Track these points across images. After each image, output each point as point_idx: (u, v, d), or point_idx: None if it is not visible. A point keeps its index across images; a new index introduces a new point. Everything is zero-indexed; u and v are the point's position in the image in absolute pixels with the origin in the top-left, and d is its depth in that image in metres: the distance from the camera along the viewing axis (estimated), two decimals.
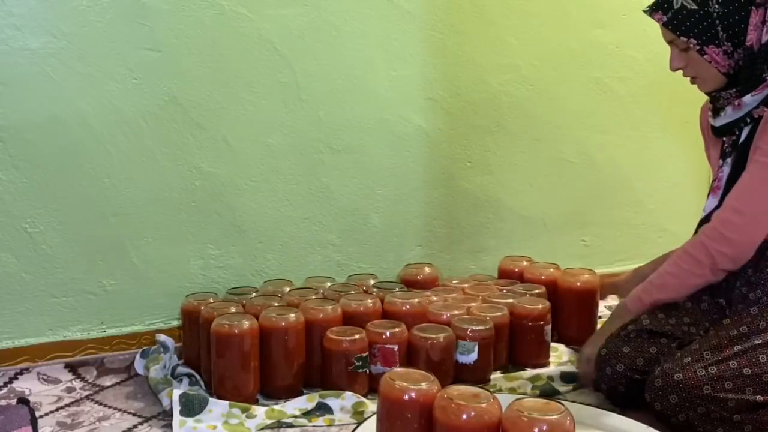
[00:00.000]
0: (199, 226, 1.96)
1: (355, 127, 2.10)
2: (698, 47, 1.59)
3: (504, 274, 2.20)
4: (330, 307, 1.79)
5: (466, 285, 2.08)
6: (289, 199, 2.05)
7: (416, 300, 1.87)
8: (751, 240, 1.58)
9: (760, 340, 1.50)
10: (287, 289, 1.95)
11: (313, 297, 1.87)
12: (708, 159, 1.83)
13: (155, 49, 1.84)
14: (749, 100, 1.60)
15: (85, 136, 1.81)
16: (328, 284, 2.00)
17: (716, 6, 1.56)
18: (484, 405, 1.28)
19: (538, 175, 2.38)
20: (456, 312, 1.85)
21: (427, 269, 2.13)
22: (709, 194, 1.72)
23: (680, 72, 1.68)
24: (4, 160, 1.75)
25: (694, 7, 1.57)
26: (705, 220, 1.69)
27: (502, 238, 2.36)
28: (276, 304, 1.80)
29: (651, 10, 1.64)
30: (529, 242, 2.38)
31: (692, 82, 1.70)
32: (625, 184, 2.52)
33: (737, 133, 1.65)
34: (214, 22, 1.89)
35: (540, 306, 1.91)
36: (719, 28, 1.56)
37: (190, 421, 1.57)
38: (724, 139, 1.70)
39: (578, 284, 2.04)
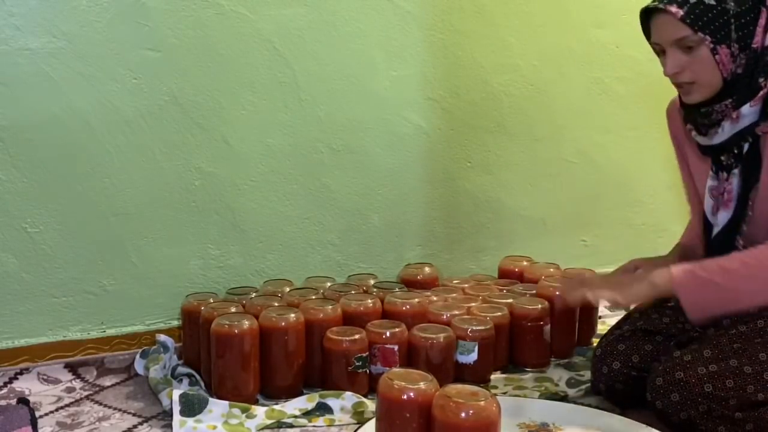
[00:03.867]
0: (199, 226, 1.96)
1: (355, 127, 2.10)
2: (712, 45, 1.48)
3: (504, 274, 2.20)
4: (330, 307, 1.79)
5: (466, 285, 2.09)
6: (289, 199, 2.05)
7: (416, 300, 1.87)
8: None
9: (760, 339, 1.50)
10: (287, 289, 1.95)
11: (313, 297, 1.87)
12: (686, 169, 1.74)
13: (155, 49, 1.84)
14: (747, 111, 1.51)
15: (85, 136, 1.81)
16: (328, 284, 2.00)
17: (732, 4, 1.47)
18: (482, 403, 1.28)
19: (538, 175, 2.38)
20: (456, 312, 1.85)
21: (427, 269, 2.13)
22: (718, 209, 1.61)
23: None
24: (4, 160, 1.75)
25: (712, 2, 1.47)
26: (722, 236, 1.60)
27: (502, 238, 2.36)
28: (276, 304, 1.80)
29: (664, 4, 1.50)
30: (529, 242, 2.38)
31: (683, 90, 1.57)
32: (625, 184, 2.52)
33: (735, 150, 1.56)
34: (214, 22, 1.89)
35: (540, 306, 1.91)
36: (733, 27, 1.48)
37: (190, 421, 1.57)
38: (722, 156, 1.59)
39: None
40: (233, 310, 1.77)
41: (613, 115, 2.46)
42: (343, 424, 1.62)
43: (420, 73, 2.16)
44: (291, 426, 1.61)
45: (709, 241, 1.64)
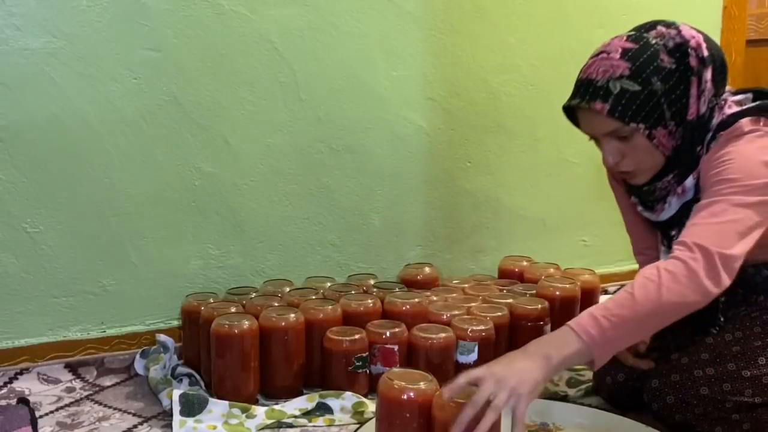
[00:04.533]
0: (199, 226, 1.96)
1: (355, 127, 2.10)
2: (647, 132, 1.40)
3: (504, 274, 2.20)
4: (330, 307, 1.79)
5: (466, 285, 2.08)
6: (289, 199, 2.05)
7: (416, 300, 1.87)
8: None
9: (759, 342, 1.50)
10: (287, 289, 1.95)
11: (313, 297, 1.87)
12: (630, 224, 1.71)
13: (155, 49, 1.84)
14: (691, 183, 1.46)
15: (85, 136, 1.81)
16: (328, 284, 2.00)
17: (659, 83, 1.38)
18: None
19: (538, 175, 2.38)
20: (456, 312, 1.85)
21: (427, 269, 2.13)
22: None
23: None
24: (4, 160, 1.75)
25: (637, 88, 1.37)
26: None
27: (502, 238, 2.36)
28: (276, 304, 1.80)
29: (587, 101, 1.41)
30: (529, 242, 2.38)
31: (625, 177, 1.51)
32: None
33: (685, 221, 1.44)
34: (214, 22, 1.89)
35: (540, 306, 1.91)
36: (665, 107, 1.39)
37: (190, 421, 1.57)
38: (671, 232, 1.53)
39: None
40: (233, 310, 1.77)
41: None
42: (343, 424, 1.62)
43: (420, 73, 2.16)
44: (291, 426, 1.61)
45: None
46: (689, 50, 1.39)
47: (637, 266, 1.75)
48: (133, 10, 1.81)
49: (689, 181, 1.46)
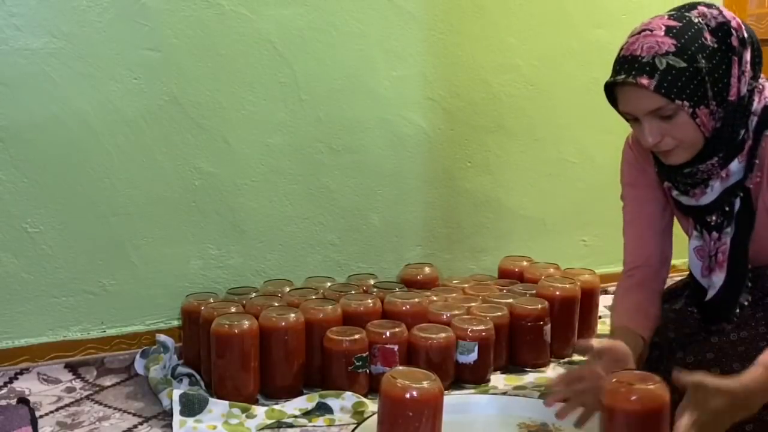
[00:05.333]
0: (199, 226, 1.96)
1: (355, 127, 2.10)
2: (691, 110, 1.37)
3: (504, 274, 2.20)
4: (330, 307, 1.79)
5: (466, 285, 2.09)
6: (289, 199, 2.05)
7: (416, 300, 1.87)
8: None
9: (765, 343, 1.49)
10: (287, 289, 1.95)
11: (313, 297, 1.87)
12: (645, 208, 1.63)
13: (155, 49, 1.84)
14: (736, 167, 1.42)
15: (85, 136, 1.81)
16: (328, 284, 2.00)
17: (703, 61, 1.36)
18: (652, 387, 1.26)
19: (538, 175, 2.38)
20: (456, 312, 1.85)
21: (427, 269, 2.13)
22: (710, 270, 1.51)
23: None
24: (4, 160, 1.75)
25: (683, 65, 1.35)
26: (720, 297, 1.49)
27: (502, 238, 2.36)
28: (276, 304, 1.80)
29: (633, 77, 1.37)
30: (529, 242, 2.38)
31: (664, 154, 1.45)
32: None
33: (727, 208, 1.45)
34: (214, 22, 1.89)
35: (539, 306, 1.91)
36: (708, 85, 1.37)
37: (190, 421, 1.57)
38: (709, 216, 1.50)
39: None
40: (233, 310, 1.77)
41: (613, 115, 2.44)
42: (343, 424, 1.62)
43: (420, 73, 2.16)
44: (291, 426, 1.61)
45: (704, 303, 1.53)
46: (732, 30, 1.39)
47: None
48: (133, 10, 1.81)
49: (734, 165, 1.42)
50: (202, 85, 1.91)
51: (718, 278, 1.50)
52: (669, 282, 1.69)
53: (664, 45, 1.37)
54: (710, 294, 1.52)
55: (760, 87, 1.44)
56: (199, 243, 1.96)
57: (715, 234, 1.51)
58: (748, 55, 1.40)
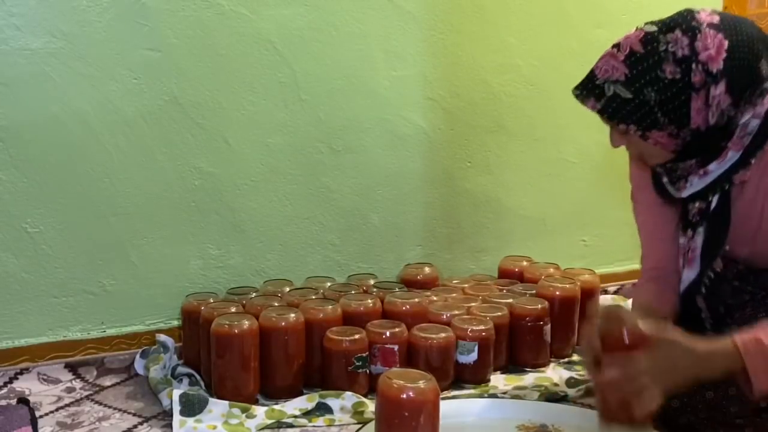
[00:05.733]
0: (199, 226, 1.96)
1: (355, 127, 2.10)
2: (640, 132, 1.39)
3: (504, 274, 2.20)
4: (330, 307, 1.79)
5: (466, 285, 2.09)
6: (289, 199, 2.05)
7: (416, 300, 1.87)
8: None
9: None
10: (287, 289, 1.95)
11: (313, 297, 1.87)
12: (649, 209, 1.65)
13: (155, 49, 1.84)
14: (715, 167, 1.41)
15: (85, 136, 1.81)
16: (328, 284, 2.01)
17: (652, 94, 1.36)
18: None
19: (538, 175, 2.38)
20: (456, 312, 1.85)
21: (427, 269, 2.13)
22: (683, 266, 1.53)
23: None
24: (4, 160, 1.75)
25: (629, 95, 1.37)
26: (687, 294, 1.52)
27: (502, 238, 2.36)
28: (276, 304, 1.80)
29: (585, 96, 1.44)
30: (529, 242, 2.38)
31: (637, 159, 1.53)
32: (625, 183, 2.51)
33: (710, 198, 1.46)
34: (214, 22, 1.89)
35: (539, 306, 1.91)
36: (659, 114, 1.37)
37: (190, 421, 1.57)
38: (689, 205, 1.52)
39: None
40: (233, 310, 1.77)
41: None
42: (343, 424, 1.62)
43: (420, 73, 2.16)
44: (291, 426, 1.61)
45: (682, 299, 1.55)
46: (694, 65, 1.34)
47: (637, 266, 1.74)
48: (133, 10, 1.81)
49: (713, 166, 1.41)
50: (202, 85, 1.91)
51: (688, 276, 1.52)
52: None
53: (617, 72, 1.40)
54: (681, 288, 1.54)
55: (756, 101, 1.38)
56: (199, 243, 1.96)
57: (689, 231, 1.52)
58: (720, 88, 1.34)
